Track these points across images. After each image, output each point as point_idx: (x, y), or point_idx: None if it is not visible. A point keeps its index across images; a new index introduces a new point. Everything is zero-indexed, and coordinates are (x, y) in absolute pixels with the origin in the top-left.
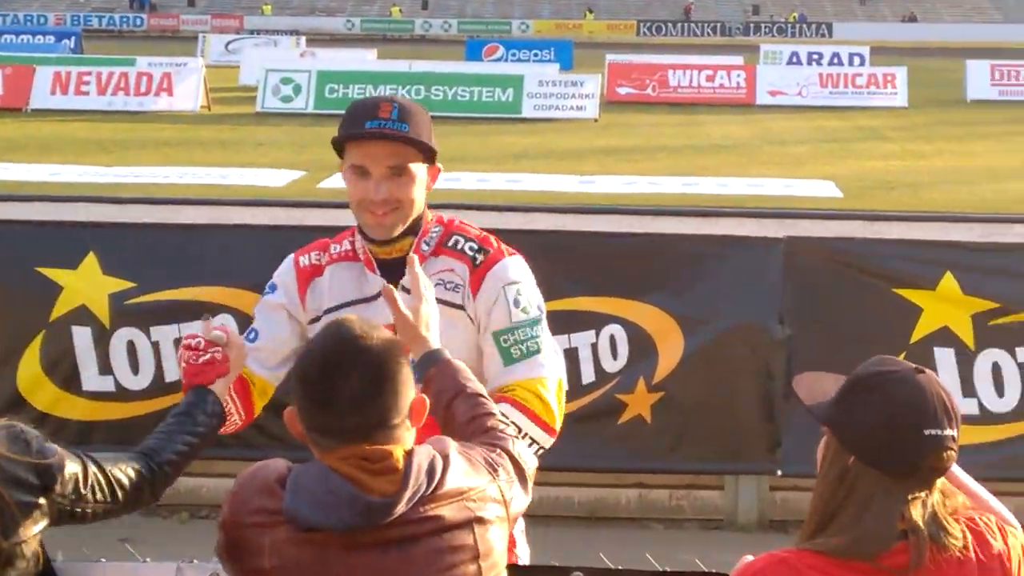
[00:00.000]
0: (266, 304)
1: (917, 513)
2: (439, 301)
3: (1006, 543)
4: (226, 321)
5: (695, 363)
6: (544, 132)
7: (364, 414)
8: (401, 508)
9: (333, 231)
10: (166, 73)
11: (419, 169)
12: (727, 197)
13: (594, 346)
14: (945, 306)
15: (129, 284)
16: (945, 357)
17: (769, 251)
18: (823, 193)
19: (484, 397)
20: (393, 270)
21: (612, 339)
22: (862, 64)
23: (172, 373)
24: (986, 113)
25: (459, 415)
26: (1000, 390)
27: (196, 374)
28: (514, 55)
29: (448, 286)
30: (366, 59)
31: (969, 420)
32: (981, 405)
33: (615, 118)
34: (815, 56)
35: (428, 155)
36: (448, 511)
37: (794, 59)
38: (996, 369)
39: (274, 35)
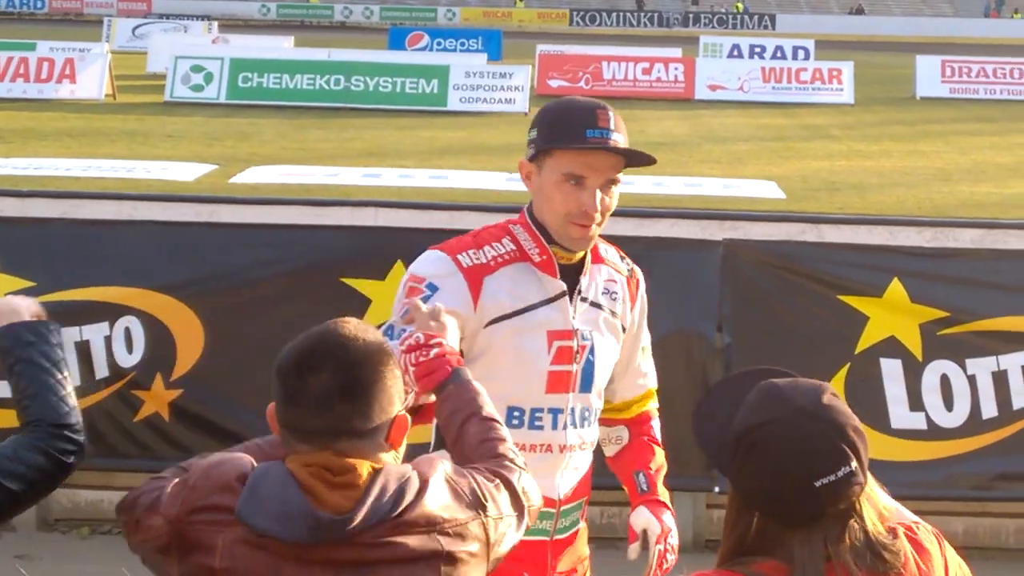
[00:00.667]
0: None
1: (843, 547)
2: (604, 310)
3: (941, 549)
4: (131, 325)
5: None
6: (471, 126)
7: (332, 415)
8: (355, 528)
9: (247, 228)
10: (69, 59)
11: (621, 178)
12: (663, 197)
13: None
14: (892, 315)
15: (27, 283)
16: (892, 369)
17: (707, 254)
18: (765, 194)
19: (498, 423)
20: (568, 274)
21: None
22: (807, 58)
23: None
24: (936, 111)
25: (471, 436)
26: (949, 404)
27: (431, 371)
28: (439, 44)
29: (613, 296)
30: (282, 47)
31: (916, 435)
32: (929, 419)
33: None
34: (757, 49)
35: (629, 165)
36: (414, 540)
37: (735, 52)
38: (945, 381)
39: (184, 20)
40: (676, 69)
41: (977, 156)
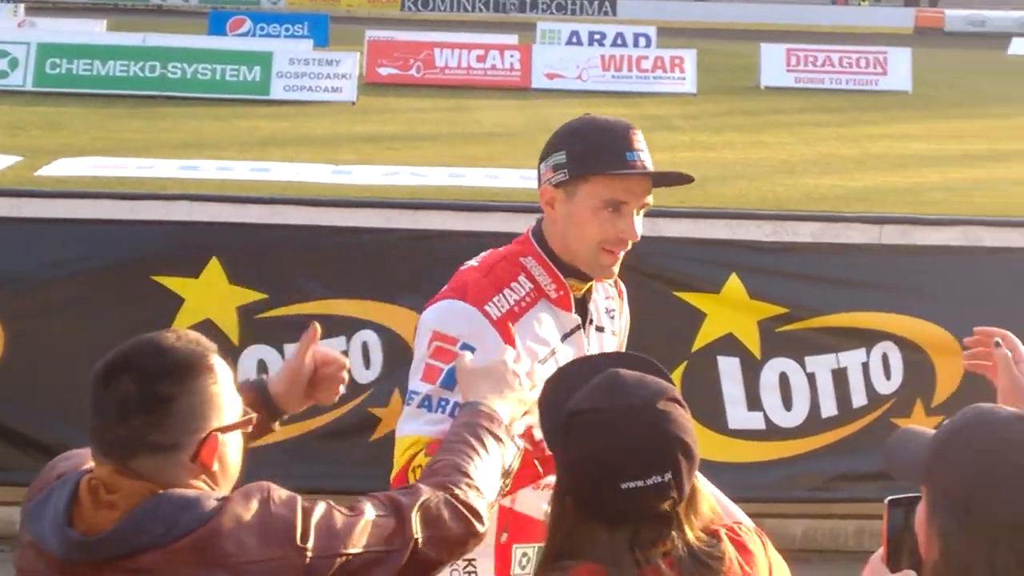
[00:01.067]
0: None
1: (655, 552)
2: (608, 332)
3: (765, 550)
4: None
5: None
6: (295, 116)
7: (127, 426)
8: (106, 551)
9: (53, 224)
10: None
11: None
12: (498, 190)
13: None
14: (730, 311)
15: None
16: (730, 367)
17: None
18: None
19: (472, 448)
20: (578, 303)
21: (365, 346)
22: (648, 46)
23: None
24: (780, 101)
25: (435, 454)
26: (788, 403)
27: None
28: (263, 29)
29: (611, 314)
30: (94, 31)
31: (754, 435)
32: (767, 419)
33: (375, 101)
34: (597, 36)
35: None
36: (186, 571)
37: (574, 39)
38: (784, 380)
39: None
40: (512, 57)
41: (822, 147)
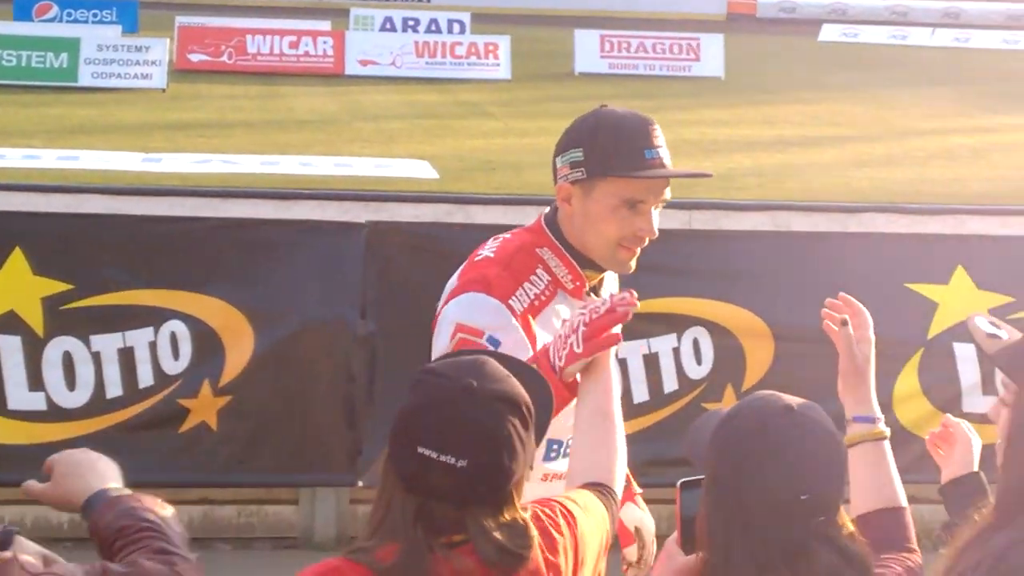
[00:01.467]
0: None
1: (452, 540)
2: None
3: (573, 533)
4: None
5: (267, 363)
6: (104, 103)
7: None
8: None
9: None
10: None
11: None
12: (311, 178)
13: (152, 345)
14: None
15: None
16: None
17: (350, 238)
18: (418, 174)
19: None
20: (592, 295)
21: (173, 336)
22: (462, 32)
23: None
24: (595, 87)
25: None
26: None
27: (603, 331)
28: (69, 15)
29: None
30: None
31: None
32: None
33: (186, 88)
34: (411, 22)
35: None
36: None
37: (388, 25)
38: None
39: None
40: (325, 43)
41: None
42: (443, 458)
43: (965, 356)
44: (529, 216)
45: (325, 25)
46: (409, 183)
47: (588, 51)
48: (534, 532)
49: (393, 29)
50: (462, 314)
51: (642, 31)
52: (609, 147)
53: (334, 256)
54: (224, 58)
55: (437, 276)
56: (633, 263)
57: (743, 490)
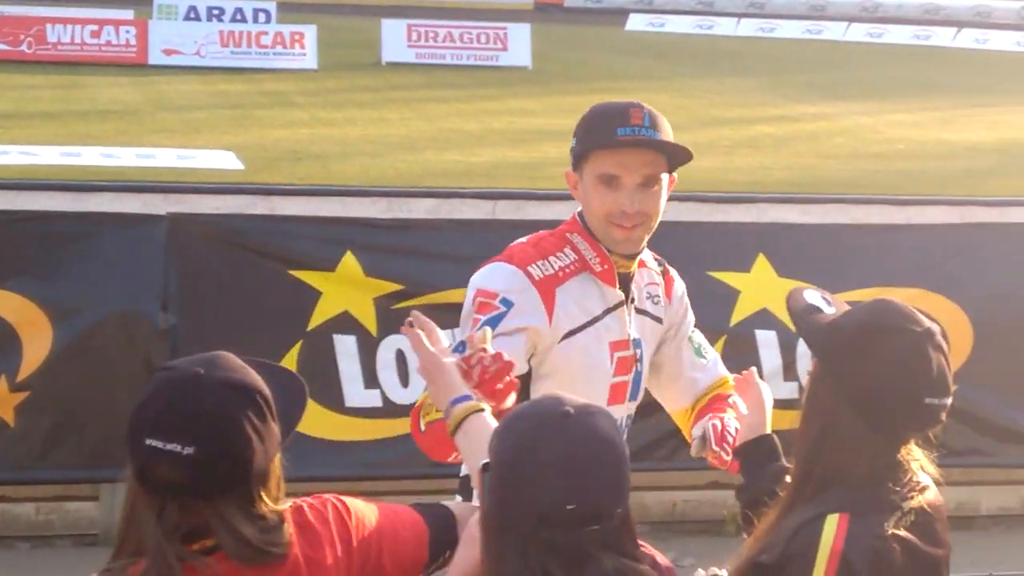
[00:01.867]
0: (506, 328)
1: (201, 545)
2: (649, 315)
3: (346, 525)
4: None
5: (66, 358)
6: None
7: None
8: None
9: None
10: None
11: (665, 178)
12: (112, 169)
13: None
14: (346, 289)
15: None
16: (346, 345)
17: (150, 230)
18: (222, 165)
19: None
20: (622, 282)
21: None
22: (268, 21)
23: None
24: (402, 77)
25: None
26: (405, 380)
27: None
28: None
29: (655, 300)
30: None
31: (371, 414)
32: (384, 397)
33: None
34: (216, 12)
35: (673, 163)
36: None
37: (192, 14)
38: (401, 357)
39: None
40: (128, 32)
41: (443, 123)
42: (169, 446)
43: (767, 342)
44: (332, 207)
45: (128, 14)
46: (214, 174)
47: (395, 41)
48: (289, 527)
49: (197, 18)
50: (481, 280)
51: (449, 21)
52: (589, 129)
53: (134, 249)
54: (24, 47)
55: (239, 268)
56: (634, 242)
57: (508, 501)
